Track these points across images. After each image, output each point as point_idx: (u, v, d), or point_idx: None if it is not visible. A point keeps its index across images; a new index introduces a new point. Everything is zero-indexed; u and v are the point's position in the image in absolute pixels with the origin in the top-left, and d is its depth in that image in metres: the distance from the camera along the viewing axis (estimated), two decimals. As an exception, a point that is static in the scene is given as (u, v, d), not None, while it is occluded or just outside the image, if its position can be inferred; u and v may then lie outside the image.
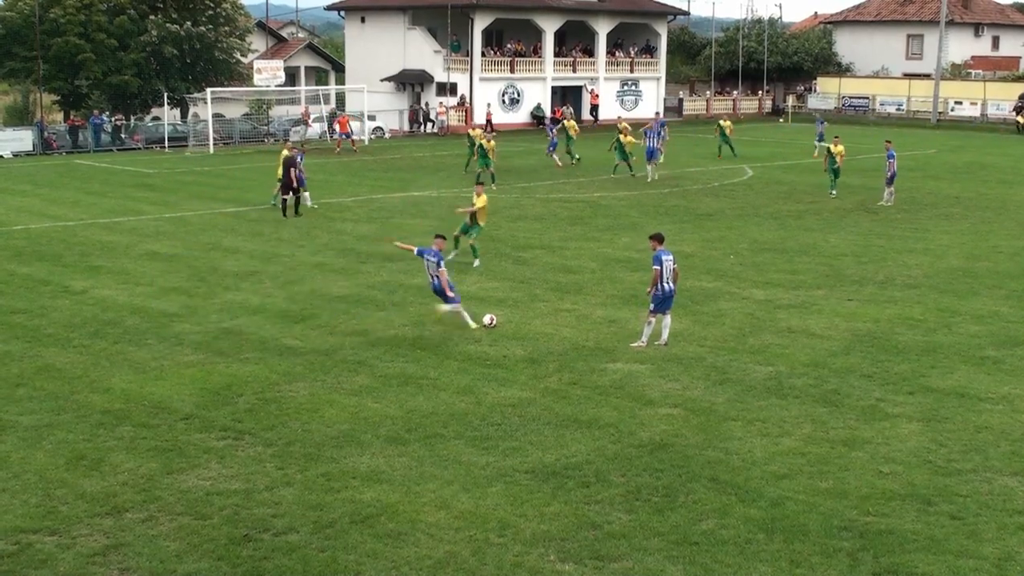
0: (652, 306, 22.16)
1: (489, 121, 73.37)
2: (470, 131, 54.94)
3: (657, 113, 73.81)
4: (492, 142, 47.55)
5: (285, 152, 39.86)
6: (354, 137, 65.89)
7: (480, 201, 30.22)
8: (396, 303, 25.92)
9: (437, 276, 23.07)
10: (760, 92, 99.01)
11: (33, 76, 72.09)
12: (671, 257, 22.15)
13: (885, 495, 14.87)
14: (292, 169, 38.79)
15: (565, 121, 59.93)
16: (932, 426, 17.58)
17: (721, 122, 61.02)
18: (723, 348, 22.08)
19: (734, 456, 16.26)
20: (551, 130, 58.91)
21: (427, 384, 19.68)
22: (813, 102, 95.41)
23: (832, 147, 44.48)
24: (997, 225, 37.52)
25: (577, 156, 55.52)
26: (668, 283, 21.94)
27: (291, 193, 39.06)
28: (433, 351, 21.83)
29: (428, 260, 23.21)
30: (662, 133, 54.86)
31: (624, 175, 49.15)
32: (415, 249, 23.95)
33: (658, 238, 22.58)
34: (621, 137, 49.95)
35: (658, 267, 21.88)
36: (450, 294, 23.27)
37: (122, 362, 21.19)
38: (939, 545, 13.44)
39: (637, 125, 77.56)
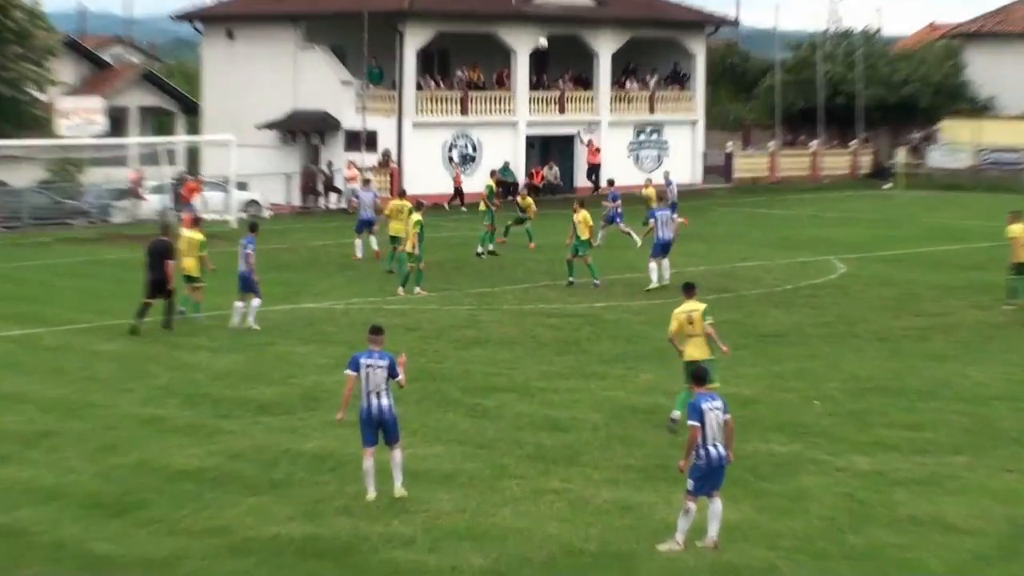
0: (691, 483, 21.70)
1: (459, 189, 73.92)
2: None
3: (611, 181, 68.94)
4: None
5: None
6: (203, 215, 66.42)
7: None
8: (277, 482, 25.61)
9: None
10: (852, 142, 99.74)
11: None
12: (720, 404, 21.85)
13: None
14: (166, 261, 40.06)
15: (519, 199, 61.91)
16: None
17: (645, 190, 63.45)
18: (806, 551, 21.69)
19: None
20: (614, 196, 60.06)
21: (330, 618, 19.27)
22: (936, 157, 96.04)
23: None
24: None
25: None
26: (716, 446, 21.55)
27: (160, 295, 40.28)
28: (336, 561, 21.42)
29: (374, 367, 24.15)
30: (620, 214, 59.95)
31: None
32: (350, 379, 24.72)
33: (699, 377, 22.83)
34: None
35: (697, 422, 21.52)
36: None
37: None
38: None
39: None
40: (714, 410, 21.51)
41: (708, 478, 21.48)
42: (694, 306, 29.39)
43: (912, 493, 24.51)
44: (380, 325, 25.28)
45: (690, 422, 21.51)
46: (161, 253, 40.41)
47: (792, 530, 22.54)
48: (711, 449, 21.35)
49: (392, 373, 24.10)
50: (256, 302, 41.02)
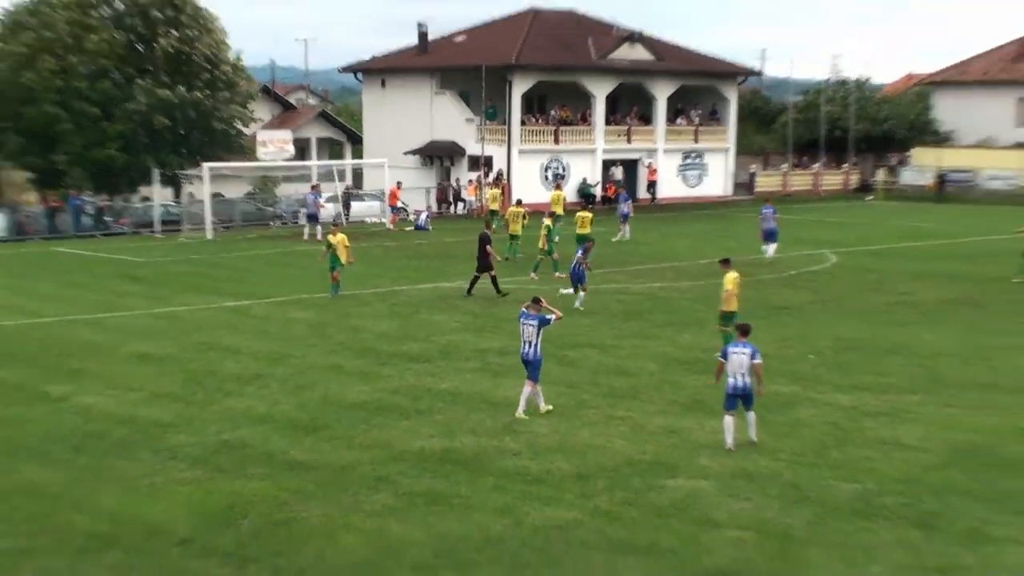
0: (724, 403, 23.27)
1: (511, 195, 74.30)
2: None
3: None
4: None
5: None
6: (389, 217, 67.92)
7: (729, 281, 32.01)
8: (421, 411, 26.02)
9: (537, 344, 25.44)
10: (845, 165, 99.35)
11: (4, 151, 71.86)
12: (749, 350, 22.97)
13: (988, 631, 15.02)
14: (486, 247, 41.89)
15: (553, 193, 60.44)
16: (1044, 552, 17.66)
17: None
18: (801, 462, 22.17)
19: (813, 586, 16.43)
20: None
21: (458, 504, 19.81)
22: (908, 176, 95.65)
23: None
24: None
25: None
26: (735, 376, 22.95)
27: (483, 272, 41.99)
28: (465, 466, 21.97)
29: (527, 324, 25.55)
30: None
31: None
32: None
33: (744, 330, 23.87)
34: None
35: (722, 358, 23.33)
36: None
37: (109, 478, 21.36)
38: None
39: (699, 204, 78.27)
40: (738, 353, 22.63)
41: (732, 398, 22.74)
42: (735, 273, 31.52)
43: (878, 422, 24.85)
44: (539, 296, 26.76)
45: (719, 357, 23.28)
46: (483, 241, 41.82)
47: (790, 447, 23.04)
48: (732, 379, 22.73)
49: (543, 324, 25.55)
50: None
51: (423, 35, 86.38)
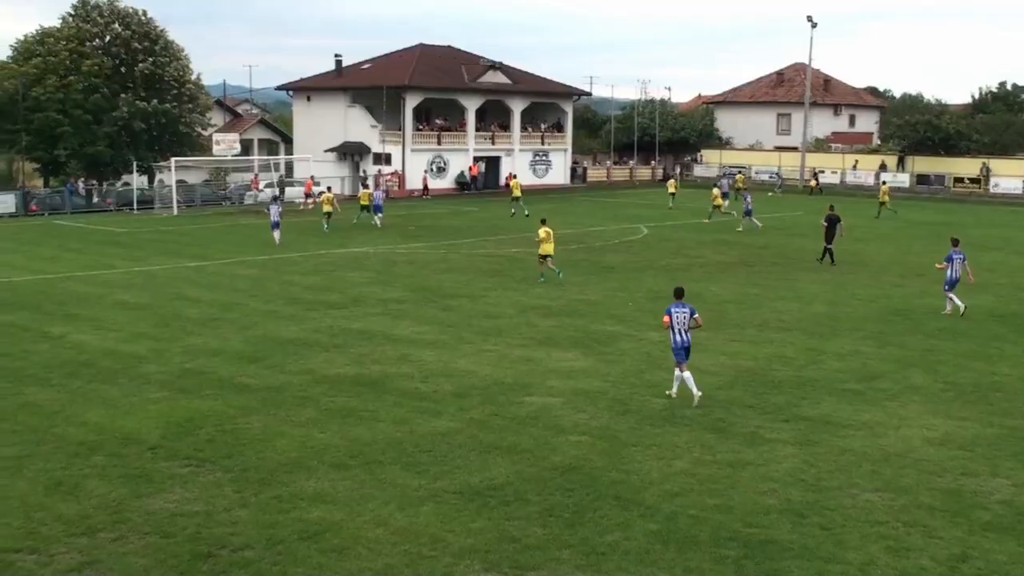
0: (674, 357, 20.78)
1: (426, 186, 73.66)
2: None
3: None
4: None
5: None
6: (307, 200, 66.59)
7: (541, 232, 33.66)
8: (338, 345, 25.67)
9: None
10: (652, 162, 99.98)
11: (17, 147, 71.12)
12: (687, 309, 20.59)
13: (765, 510, 14.98)
14: (838, 225, 40.86)
15: (511, 180, 64.51)
16: (804, 449, 17.74)
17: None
18: (624, 383, 22.13)
19: (634, 477, 16.29)
20: (747, 197, 55.40)
21: (367, 416, 19.52)
22: (699, 171, 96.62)
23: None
24: (854, 276, 37.91)
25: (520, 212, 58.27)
26: (680, 333, 20.41)
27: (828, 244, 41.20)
28: (372, 387, 21.67)
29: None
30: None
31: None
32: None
33: (678, 292, 21.17)
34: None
35: (667, 316, 20.60)
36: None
37: (96, 399, 20.82)
38: (811, 552, 13.57)
39: (546, 191, 78.24)
40: (679, 312, 20.41)
41: (678, 351, 20.46)
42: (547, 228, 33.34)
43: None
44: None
45: (666, 316, 20.62)
46: (831, 220, 40.87)
47: (616, 372, 22.99)
48: (676, 336, 20.43)
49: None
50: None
51: (339, 63, 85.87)
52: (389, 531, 14.15)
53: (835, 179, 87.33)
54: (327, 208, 52.44)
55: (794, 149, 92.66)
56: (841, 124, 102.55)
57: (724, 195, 61.52)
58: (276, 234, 46.43)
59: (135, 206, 66.19)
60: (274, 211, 47.68)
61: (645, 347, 25.62)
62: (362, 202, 57.11)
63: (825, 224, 41.40)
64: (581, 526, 14.34)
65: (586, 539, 13.91)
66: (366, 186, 65.79)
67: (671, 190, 69.00)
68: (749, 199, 54.70)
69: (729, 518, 14.65)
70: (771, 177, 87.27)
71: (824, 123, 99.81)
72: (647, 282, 36.03)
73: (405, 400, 20.70)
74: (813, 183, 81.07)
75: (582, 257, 42.31)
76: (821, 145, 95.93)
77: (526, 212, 58.57)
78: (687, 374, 20.58)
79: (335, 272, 38.27)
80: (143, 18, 73.61)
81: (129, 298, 32.67)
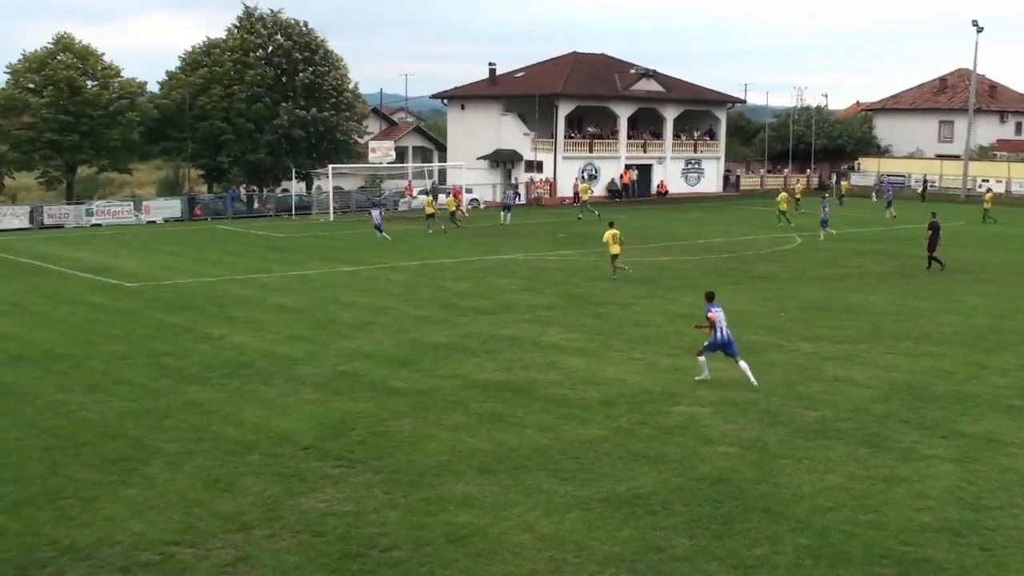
0: (704, 348, 22.76)
1: (576, 194, 73.78)
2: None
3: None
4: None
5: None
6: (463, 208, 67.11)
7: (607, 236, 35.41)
8: (488, 351, 25.84)
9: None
10: (808, 170, 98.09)
11: (183, 154, 73.43)
12: (720, 310, 22.60)
13: (921, 527, 14.52)
14: (938, 232, 41.08)
15: (580, 184, 67.99)
16: (963, 466, 17.16)
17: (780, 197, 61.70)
18: (775, 394, 21.74)
19: (784, 490, 15.99)
20: (824, 208, 54.46)
21: (514, 422, 19.60)
22: (856, 179, 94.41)
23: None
24: (1021, 288, 36.70)
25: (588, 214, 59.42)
26: (721, 330, 22.25)
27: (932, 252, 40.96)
28: (520, 393, 21.75)
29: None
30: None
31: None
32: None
33: (710, 296, 23.24)
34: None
35: (715, 313, 22.42)
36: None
37: (253, 399, 21.37)
38: (969, 574, 13.10)
39: (699, 199, 77.44)
40: (719, 311, 22.30)
41: (722, 347, 22.35)
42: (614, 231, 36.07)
43: (835, 365, 24.36)
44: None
45: (708, 313, 22.38)
46: (935, 228, 40.97)
47: (765, 383, 22.47)
48: (720, 332, 22.15)
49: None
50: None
51: (492, 71, 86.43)
52: (534, 537, 14.16)
53: (1000, 188, 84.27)
54: (429, 211, 55.78)
55: (956, 157, 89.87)
56: (1007, 132, 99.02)
57: (888, 203, 63.21)
58: (383, 235, 50.08)
59: (293, 212, 67.92)
60: (376, 215, 52.11)
61: (796, 358, 25.14)
62: (427, 211, 56.87)
63: (929, 232, 41.35)
64: (729, 538, 14.12)
65: (734, 552, 13.69)
66: (429, 194, 65.53)
67: (783, 207, 60.38)
68: (826, 209, 54.02)
69: (883, 535, 14.24)
70: (880, 183, 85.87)
71: (989, 130, 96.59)
72: (800, 292, 35.41)
73: (552, 407, 20.69)
74: (921, 189, 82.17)
75: (733, 266, 41.79)
76: (985, 153, 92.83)
77: (597, 213, 62.03)
78: (743, 363, 22.11)
79: (485, 278, 38.50)
80: (304, 28, 75.21)
81: (286, 301, 33.41)
